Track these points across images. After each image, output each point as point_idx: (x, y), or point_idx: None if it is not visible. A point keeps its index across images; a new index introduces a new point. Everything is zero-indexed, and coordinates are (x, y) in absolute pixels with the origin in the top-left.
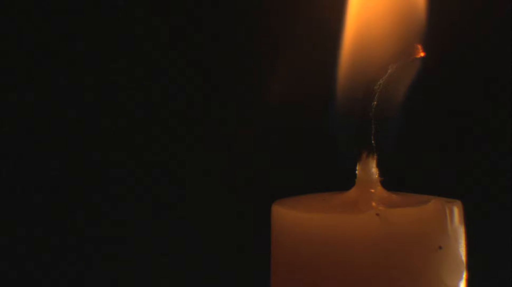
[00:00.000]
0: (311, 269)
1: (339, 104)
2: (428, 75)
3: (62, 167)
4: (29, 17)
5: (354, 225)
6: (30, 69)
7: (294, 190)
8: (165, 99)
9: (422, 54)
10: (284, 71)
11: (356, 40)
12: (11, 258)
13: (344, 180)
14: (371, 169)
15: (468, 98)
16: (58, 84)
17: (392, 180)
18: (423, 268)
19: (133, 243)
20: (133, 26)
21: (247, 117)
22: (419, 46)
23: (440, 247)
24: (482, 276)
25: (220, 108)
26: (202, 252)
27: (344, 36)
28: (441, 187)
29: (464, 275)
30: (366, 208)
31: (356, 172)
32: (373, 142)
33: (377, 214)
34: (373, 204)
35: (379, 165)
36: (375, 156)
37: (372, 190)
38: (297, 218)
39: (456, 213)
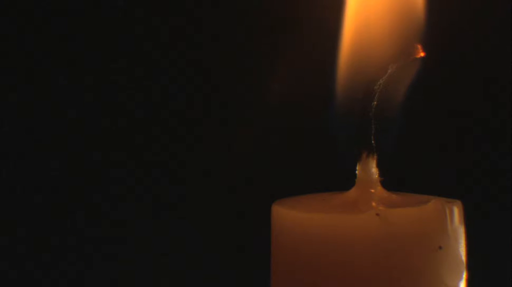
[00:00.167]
0: (311, 269)
1: (339, 104)
2: (428, 75)
3: (62, 167)
4: (29, 17)
5: (354, 225)
6: (30, 69)
7: (294, 190)
8: (165, 99)
9: (422, 54)
10: (284, 71)
11: (356, 40)
12: (11, 258)
13: (344, 180)
14: (371, 169)
15: (468, 98)
16: (58, 84)
17: (392, 180)
18: (423, 268)
19: (133, 243)
20: (133, 26)
21: (247, 117)
22: (419, 46)
23: (440, 247)
24: (482, 276)
25: (220, 108)
26: (202, 252)
27: (344, 36)
28: (441, 187)
29: (464, 275)
30: (366, 208)
31: (356, 172)
32: (373, 142)
33: (377, 214)
34: (373, 204)
35: (379, 165)
36: (375, 156)
37: (372, 190)
38: (297, 218)
39: (456, 213)
